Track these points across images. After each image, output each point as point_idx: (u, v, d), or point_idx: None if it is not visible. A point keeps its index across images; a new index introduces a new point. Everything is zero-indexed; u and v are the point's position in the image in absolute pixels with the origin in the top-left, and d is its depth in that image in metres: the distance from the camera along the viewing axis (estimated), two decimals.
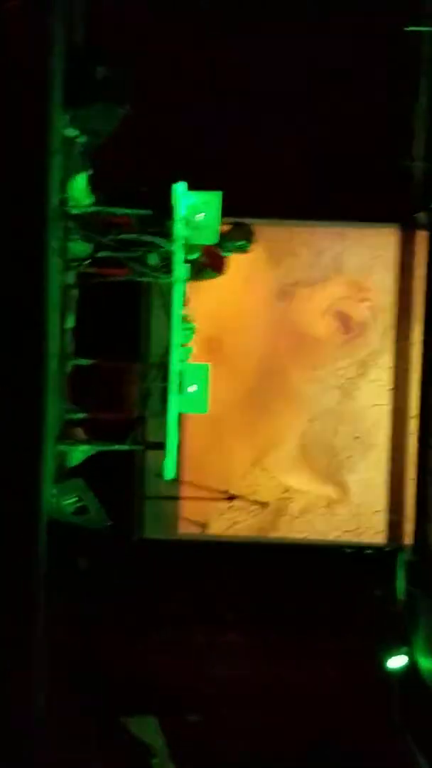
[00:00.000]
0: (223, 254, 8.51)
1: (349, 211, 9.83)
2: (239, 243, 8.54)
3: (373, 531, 10.14)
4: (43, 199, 7.97)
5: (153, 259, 8.32)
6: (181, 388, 8.08)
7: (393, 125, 9.73)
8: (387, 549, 10.14)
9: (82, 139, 8.63)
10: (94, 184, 8.82)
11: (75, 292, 8.83)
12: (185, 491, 9.59)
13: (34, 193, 7.90)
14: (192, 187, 8.04)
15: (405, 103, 9.76)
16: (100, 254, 8.45)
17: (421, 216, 9.90)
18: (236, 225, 8.57)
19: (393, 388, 10.10)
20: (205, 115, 9.56)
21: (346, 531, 10.12)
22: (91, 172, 8.88)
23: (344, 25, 9.56)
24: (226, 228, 8.47)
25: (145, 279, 8.63)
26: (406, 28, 9.50)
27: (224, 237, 8.46)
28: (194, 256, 8.21)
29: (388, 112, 9.65)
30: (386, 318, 10.03)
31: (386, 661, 9.71)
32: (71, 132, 8.51)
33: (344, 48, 9.61)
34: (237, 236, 8.51)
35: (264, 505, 9.42)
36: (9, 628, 8.19)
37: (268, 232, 9.83)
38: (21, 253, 7.85)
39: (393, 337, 10.07)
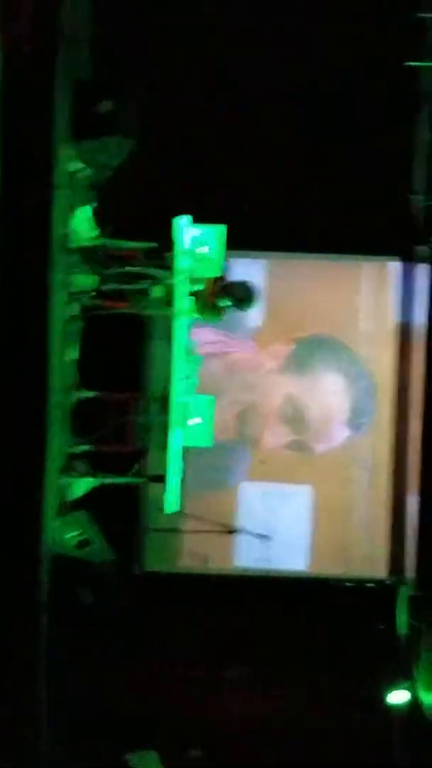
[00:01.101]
0: (221, 305, 8.41)
1: (350, 244, 9.88)
2: (242, 301, 8.41)
3: (375, 564, 10.12)
4: (48, 231, 7.99)
5: (157, 292, 8.31)
6: (185, 421, 8.04)
7: (394, 159, 9.77)
8: (389, 583, 10.12)
9: (88, 172, 8.66)
10: (99, 217, 8.84)
11: (78, 324, 8.84)
12: (187, 524, 9.57)
13: (39, 226, 7.93)
14: (197, 219, 8.04)
15: (406, 136, 9.81)
16: (105, 287, 8.44)
17: (423, 249, 9.94)
18: (242, 283, 8.40)
19: (397, 422, 10.11)
20: (209, 148, 9.62)
21: (349, 564, 10.10)
22: (95, 204, 8.90)
23: (345, 59, 9.62)
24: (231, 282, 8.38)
25: (148, 311, 8.62)
26: (406, 63, 9.56)
27: (228, 289, 8.34)
28: (199, 287, 8.18)
29: (390, 145, 9.68)
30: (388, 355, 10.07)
31: (388, 696, 9.66)
32: (77, 165, 8.54)
33: (345, 82, 9.67)
34: (240, 293, 8.39)
35: (266, 537, 9.38)
36: (11, 662, 8.16)
37: (269, 265, 9.91)
38: (26, 286, 7.87)
39: (395, 371, 10.11)
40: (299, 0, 9.54)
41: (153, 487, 9.30)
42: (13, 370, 7.88)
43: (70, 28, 8.54)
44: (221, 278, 8.26)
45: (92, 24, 9.21)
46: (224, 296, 8.32)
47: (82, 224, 8.68)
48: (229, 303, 8.34)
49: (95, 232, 8.74)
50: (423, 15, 9.50)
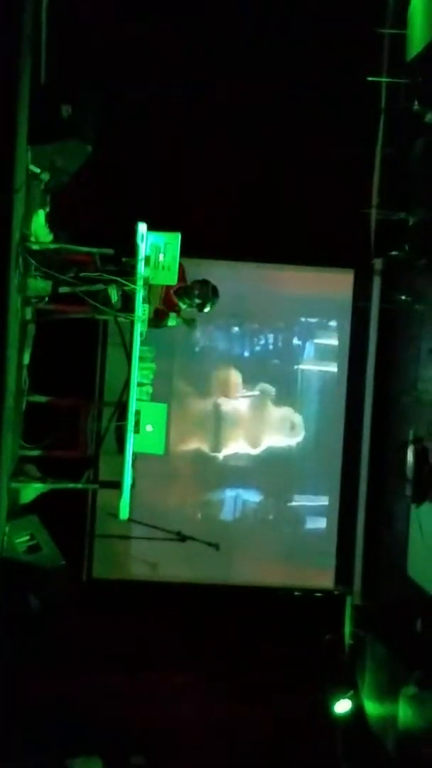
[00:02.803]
0: (180, 306, 8.30)
1: (306, 255, 9.94)
2: (202, 301, 8.30)
3: (322, 575, 10.19)
4: (6, 236, 7.92)
5: (113, 298, 8.25)
6: (138, 428, 8.00)
7: (352, 173, 9.85)
8: (336, 593, 10.19)
9: (45, 176, 8.61)
10: (55, 221, 8.79)
11: (32, 328, 8.77)
12: (137, 531, 9.54)
13: None
14: (153, 227, 8.01)
15: (364, 150, 9.91)
16: (60, 291, 8.37)
17: (378, 262, 10.03)
18: (202, 282, 8.24)
19: (345, 432, 10.21)
20: (167, 156, 9.64)
21: (297, 574, 10.16)
22: (48, 208, 8.85)
23: (306, 73, 9.69)
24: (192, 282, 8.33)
25: (103, 317, 8.57)
26: (366, 78, 9.65)
27: (187, 291, 8.26)
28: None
29: (348, 159, 9.76)
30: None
31: (333, 705, 9.72)
32: (34, 169, 8.48)
33: (305, 95, 9.74)
34: (200, 293, 8.30)
35: (216, 546, 9.38)
36: None
37: (224, 272, 9.95)
38: None
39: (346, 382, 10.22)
40: (260, 11, 9.60)
41: (102, 493, 9.30)
42: None
43: (31, 32, 8.47)
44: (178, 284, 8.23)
45: (51, 28, 9.19)
46: (184, 297, 8.25)
47: (37, 228, 8.62)
48: (190, 303, 8.26)
49: (50, 237, 8.69)
50: (383, 31, 9.61)
